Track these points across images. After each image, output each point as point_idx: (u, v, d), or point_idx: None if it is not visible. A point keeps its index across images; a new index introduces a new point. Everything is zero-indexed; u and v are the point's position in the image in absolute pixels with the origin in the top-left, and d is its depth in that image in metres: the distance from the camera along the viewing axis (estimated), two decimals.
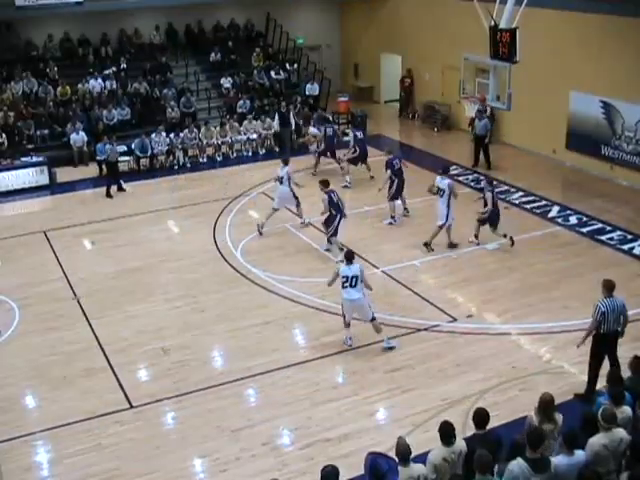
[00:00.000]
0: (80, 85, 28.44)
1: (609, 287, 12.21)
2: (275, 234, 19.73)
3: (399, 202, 20.59)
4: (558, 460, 8.63)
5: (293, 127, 27.87)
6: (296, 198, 19.92)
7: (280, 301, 16.39)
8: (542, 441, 8.60)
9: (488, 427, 9.19)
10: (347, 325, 14.37)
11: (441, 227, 18.48)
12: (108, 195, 23.17)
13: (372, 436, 11.92)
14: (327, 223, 18.44)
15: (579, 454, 8.69)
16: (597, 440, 8.89)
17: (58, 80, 28.51)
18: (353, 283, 13.77)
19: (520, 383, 13.17)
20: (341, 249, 17.45)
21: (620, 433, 9.01)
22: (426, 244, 18.54)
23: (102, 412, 12.74)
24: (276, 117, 27.70)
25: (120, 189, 23.67)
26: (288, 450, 11.83)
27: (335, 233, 18.39)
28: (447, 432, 8.86)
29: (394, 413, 12.54)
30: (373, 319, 14.17)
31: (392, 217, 20.34)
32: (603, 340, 12.30)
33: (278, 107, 28.33)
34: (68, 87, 28.19)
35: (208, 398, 13.10)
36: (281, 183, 19.82)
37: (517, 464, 8.38)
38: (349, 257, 14.04)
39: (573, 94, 24.10)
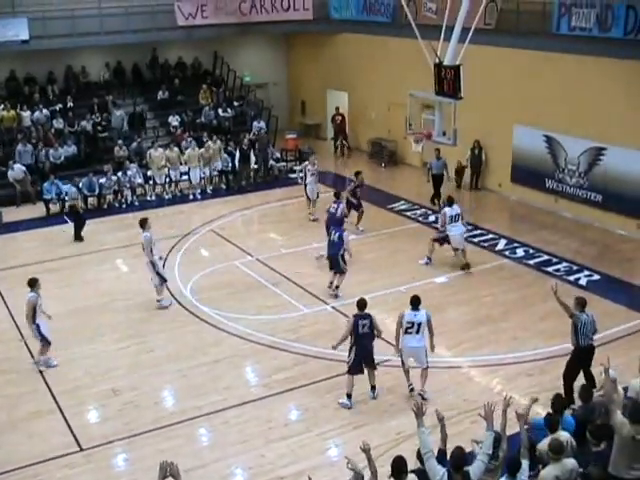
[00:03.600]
0: (24, 113, 28.23)
1: (582, 303, 13.11)
2: (224, 272, 19.66)
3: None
4: None
5: (253, 164, 28.00)
6: None
7: (230, 339, 16.30)
8: None
9: None
10: None
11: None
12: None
13: (326, 473, 11.87)
14: None
15: None
16: (549, 471, 8.97)
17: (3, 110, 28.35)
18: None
19: (471, 415, 13.18)
20: None
21: (570, 463, 9.11)
22: None
23: (51, 456, 12.50)
24: (237, 154, 27.84)
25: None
26: None
27: None
28: (399, 467, 8.87)
29: (348, 449, 12.44)
30: None
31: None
32: (582, 353, 13.05)
33: (240, 144, 28.40)
34: (13, 111, 27.97)
35: (159, 438, 12.93)
36: None
37: None
38: None
39: (516, 128, 24.56)
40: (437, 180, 24.79)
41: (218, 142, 27.81)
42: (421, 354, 13.72)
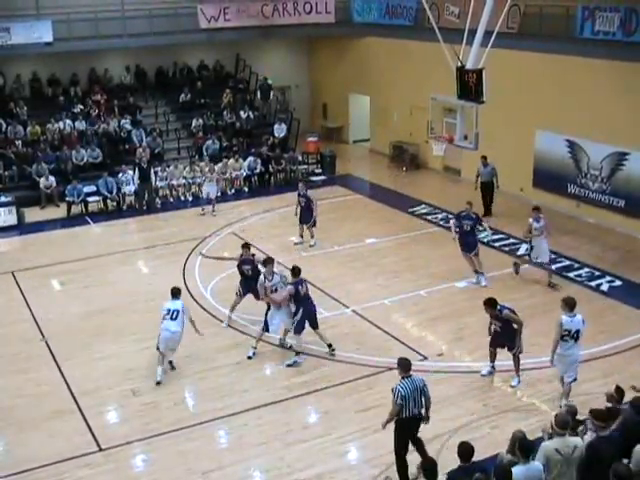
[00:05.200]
0: (50, 125, 28.36)
1: (405, 366, 11.33)
2: None
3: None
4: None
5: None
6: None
7: (250, 341, 16.28)
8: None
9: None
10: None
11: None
12: None
13: (344, 476, 11.86)
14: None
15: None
16: (550, 444, 9.01)
17: (27, 120, 28.49)
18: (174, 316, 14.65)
19: (491, 421, 13.18)
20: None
21: (574, 440, 9.12)
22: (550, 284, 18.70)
23: (71, 455, 12.55)
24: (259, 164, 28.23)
25: None
26: None
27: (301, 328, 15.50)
28: (432, 469, 8.96)
29: (366, 453, 12.47)
30: None
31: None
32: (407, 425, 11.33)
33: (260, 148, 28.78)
34: (38, 127, 28.13)
35: (179, 440, 12.96)
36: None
37: None
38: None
39: (539, 133, 24.47)
40: (486, 188, 24.03)
41: (240, 160, 27.98)
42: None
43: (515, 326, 14.06)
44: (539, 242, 18.58)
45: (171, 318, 14.54)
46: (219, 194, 26.13)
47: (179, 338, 14.73)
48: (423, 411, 11.28)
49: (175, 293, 15.00)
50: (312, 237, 21.79)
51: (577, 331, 12.92)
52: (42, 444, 12.92)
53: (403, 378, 11.15)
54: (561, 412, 9.69)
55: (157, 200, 26.20)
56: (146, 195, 25.92)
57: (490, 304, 14.12)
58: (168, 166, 27.20)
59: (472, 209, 19.32)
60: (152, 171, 26.29)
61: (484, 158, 23.44)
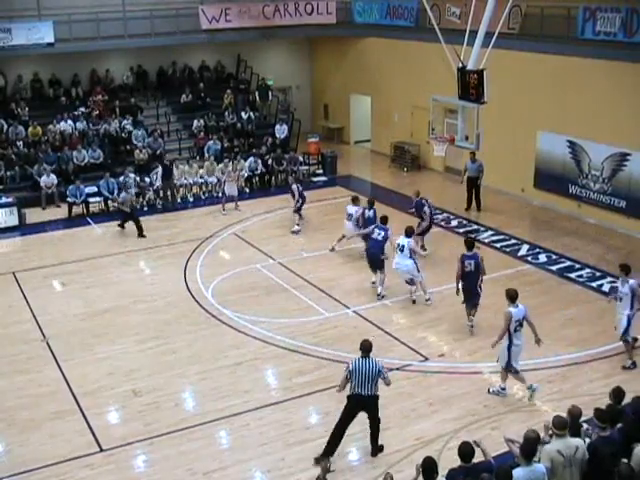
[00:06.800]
0: (51, 126, 28.37)
1: (364, 348, 12.01)
2: (246, 275, 19.67)
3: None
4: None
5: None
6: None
7: (251, 342, 16.32)
8: None
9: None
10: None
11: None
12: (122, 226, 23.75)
13: (345, 477, 11.86)
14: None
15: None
16: (552, 446, 9.00)
17: (28, 121, 28.50)
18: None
19: (492, 422, 13.17)
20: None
21: (575, 441, 9.11)
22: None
23: (72, 456, 12.55)
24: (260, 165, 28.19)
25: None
26: None
27: None
28: (431, 467, 8.99)
29: (368, 453, 12.46)
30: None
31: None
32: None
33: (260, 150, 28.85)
34: (39, 127, 28.14)
35: (180, 440, 12.95)
36: (349, 220, 20.54)
37: None
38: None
39: (540, 133, 24.46)
40: (472, 183, 24.49)
41: (242, 161, 27.85)
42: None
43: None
44: (621, 310, 14.70)
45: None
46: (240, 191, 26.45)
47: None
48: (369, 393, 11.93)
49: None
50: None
51: (523, 318, 13.56)
52: (43, 445, 12.93)
53: (361, 357, 11.94)
54: (558, 415, 9.65)
55: (158, 200, 26.19)
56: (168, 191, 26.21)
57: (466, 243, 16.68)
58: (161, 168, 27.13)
59: (421, 198, 20.98)
60: (175, 169, 26.56)
61: (472, 154, 23.61)
